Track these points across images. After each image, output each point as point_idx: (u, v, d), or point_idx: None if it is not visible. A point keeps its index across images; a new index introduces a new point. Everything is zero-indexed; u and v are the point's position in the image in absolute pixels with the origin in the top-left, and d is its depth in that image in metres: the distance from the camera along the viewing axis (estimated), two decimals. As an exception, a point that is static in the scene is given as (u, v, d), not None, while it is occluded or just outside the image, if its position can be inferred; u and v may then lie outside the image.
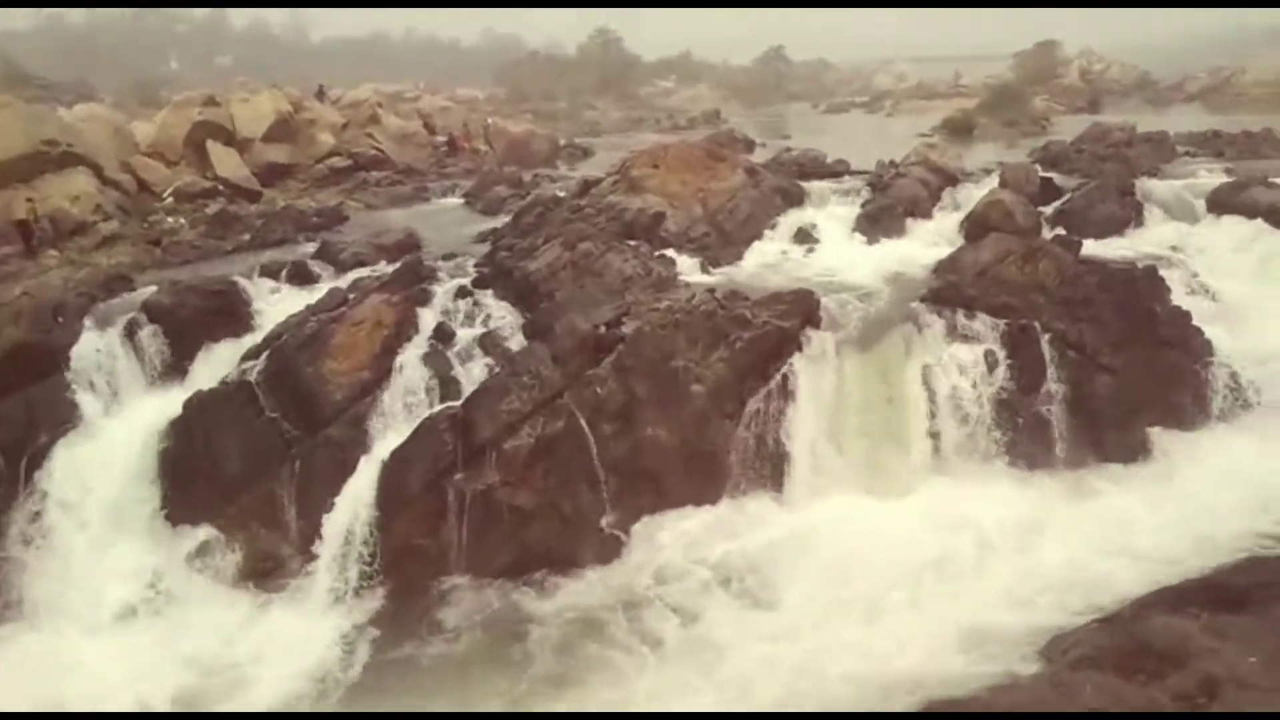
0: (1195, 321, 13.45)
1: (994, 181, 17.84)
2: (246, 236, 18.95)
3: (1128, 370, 12.89)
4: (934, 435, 12.37)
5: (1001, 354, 12.80)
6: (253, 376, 12.21)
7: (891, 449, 12.38)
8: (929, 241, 16.26)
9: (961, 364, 12.68)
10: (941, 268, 14.52)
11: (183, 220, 20.01)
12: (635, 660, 9.79)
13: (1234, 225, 16.27)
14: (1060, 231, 15.89)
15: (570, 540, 11.48)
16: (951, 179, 18.41)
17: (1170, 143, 23.71)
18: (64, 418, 12.05)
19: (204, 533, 11.53)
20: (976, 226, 15.97)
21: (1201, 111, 46.94)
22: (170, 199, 21.52)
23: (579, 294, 13.56)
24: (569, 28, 78.19)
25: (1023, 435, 12.50)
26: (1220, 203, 16.82)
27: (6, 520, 11.34)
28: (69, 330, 12.86)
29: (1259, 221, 16.04)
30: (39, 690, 9.74)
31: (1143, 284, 13.73)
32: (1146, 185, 17.68)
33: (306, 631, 10.56)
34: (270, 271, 14.94)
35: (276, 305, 13.96)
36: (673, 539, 11.41)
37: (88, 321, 13.08)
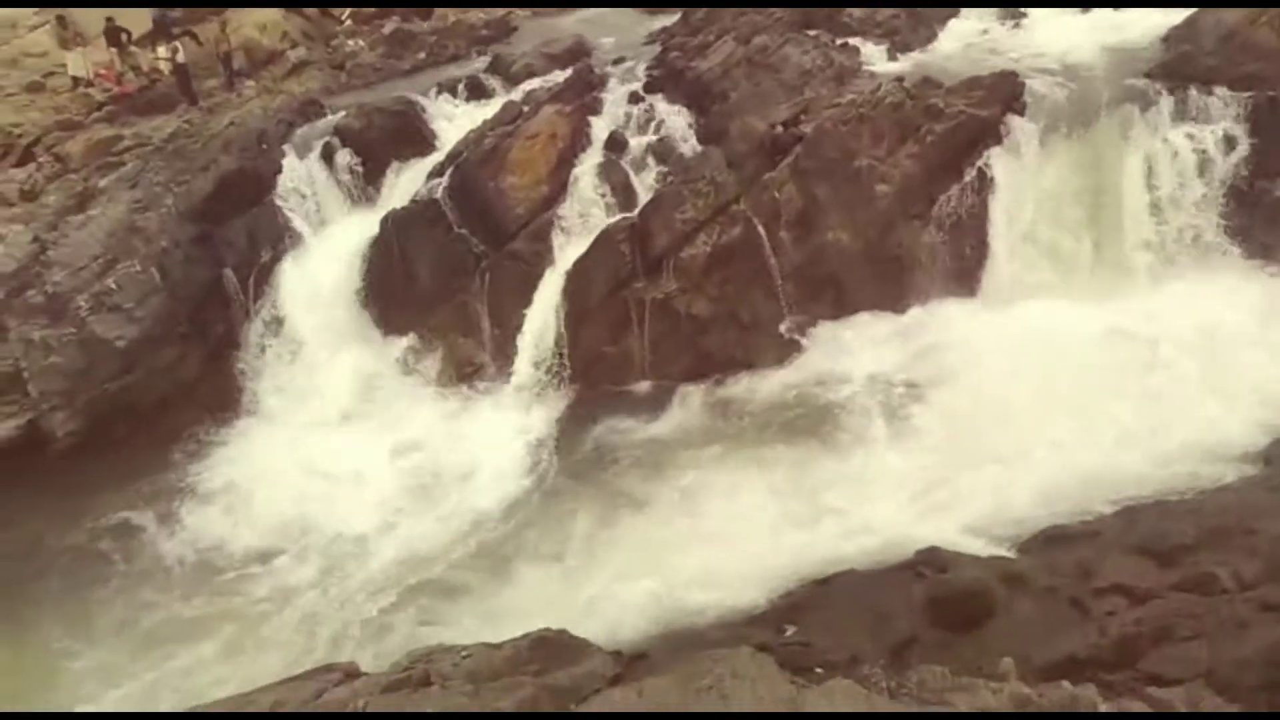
0: None
1: (1249, -74, 14.97)
2: (422, 55, 19.17)
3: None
4: (1156, 230, 11.22)
5: (1243, 133, 11.21)
6: (439, 194, 12.61)
7: (1104, 247, 11.38)
8: (1159, 6, 14.02)
9: (1192, 148, 11.23)
10: (1174, 36, 12.59)
11: (362, 42, 20.41)
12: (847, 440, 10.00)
13: None
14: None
15: (748, 345, 11.54)
16: (1193, -73, 15.59)
17: None
18: (280, 238, 13.04)
19: (410, 341, 12.42)
20: (1222, -16, 13.59)
21: None
22: (348, 20, 21.91)
23: (754, 93, 12.88)
24: None
25: (1259, 225, 11.12)
26: None
27: (243, 332, 12.63)
28: (272, 156, 13.69)
29: None
30: (283, 477, 11.03)
31: None
32: None
33: (510, 428, 11.37)
34: (447, 88, 15.10)
35: (455, 121, 14.16)
36: (856, 343, 11.22)
37: (287, 147, 13.82)
